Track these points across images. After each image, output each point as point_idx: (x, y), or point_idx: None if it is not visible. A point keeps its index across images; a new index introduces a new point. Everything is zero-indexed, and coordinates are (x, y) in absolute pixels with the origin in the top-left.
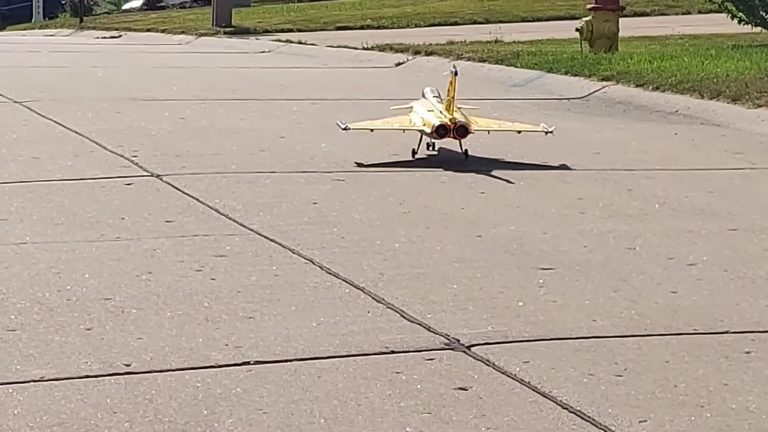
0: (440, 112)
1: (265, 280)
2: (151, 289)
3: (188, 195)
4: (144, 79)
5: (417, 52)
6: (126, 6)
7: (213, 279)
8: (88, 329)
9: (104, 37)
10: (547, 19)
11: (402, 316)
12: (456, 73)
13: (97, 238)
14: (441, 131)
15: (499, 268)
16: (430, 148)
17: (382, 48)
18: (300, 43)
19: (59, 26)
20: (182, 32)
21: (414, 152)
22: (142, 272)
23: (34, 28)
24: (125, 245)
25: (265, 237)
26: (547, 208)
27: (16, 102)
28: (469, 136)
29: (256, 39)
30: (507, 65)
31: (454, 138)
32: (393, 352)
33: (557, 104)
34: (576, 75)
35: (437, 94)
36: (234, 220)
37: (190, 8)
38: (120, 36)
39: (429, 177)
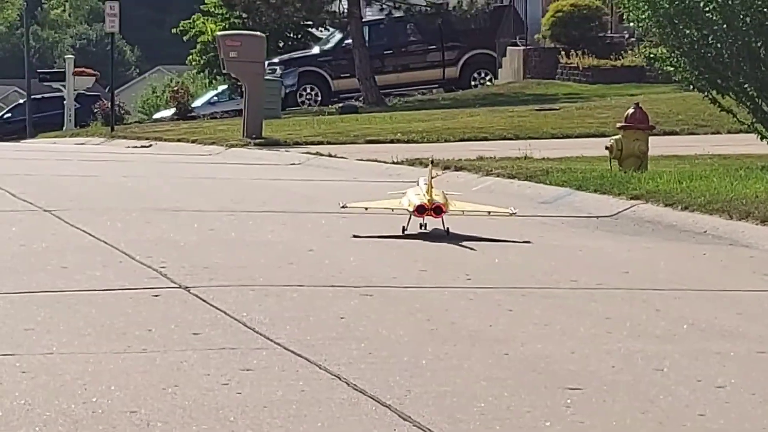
0: (423, 194)
1: (291, 395)
2: (177, 403)
3: (216, 307)
4: (174, 190)
5: (447, 167)
6: (157, 115)
7: (239, 393)
8: None
9: (135, 147)
10: (576, 137)
11: None
12: (432, 162)
13: (123, 350)
14: (420, 210)
15: (526, 387)
16: (422, 228)
17: (411, 162)
18: (330, 155)
19: (90, 134)
20: (213, 143)
21: (404, 229)
22: (169, 385)
23: (65, 136)
24: (152, 357)
25: (292, 351)
26: (575, 326)
27: (45, 210)
28: (446, 215)
29: (287, 151)
30: (536, 182)
31: (433, 216)
32: None
33: (586, 222)
34: (605, 193)
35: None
36: (261, 334)
37: (221, 119)
38: (151, 145)
39: (458, 294)
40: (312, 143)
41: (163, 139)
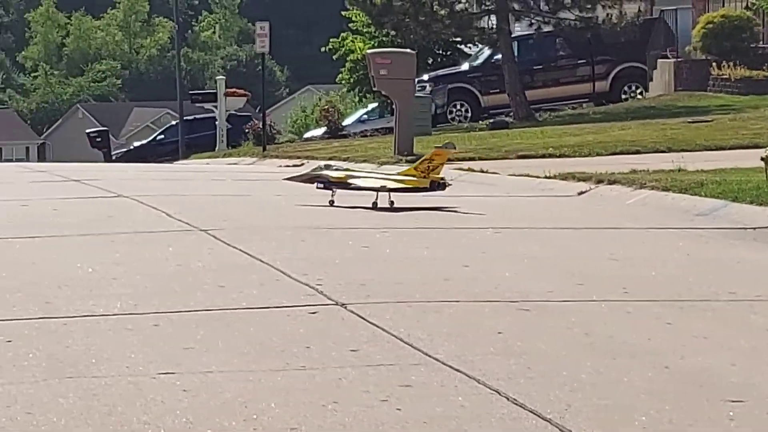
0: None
1: (451, 411)
2: (337, 420)
3: (373, 324)
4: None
5: (599, 181)
6: (307, 134)
7: (399, 409)
8: None
9: (287, 166)
10: (730, 148)
11: None
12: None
13: (282, 367)
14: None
15: (687, 400)
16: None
17: (564, 177)
18: (482, 171)
19: (242, 155)
20: (364, 161)
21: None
22: (328, 402)
23: (217, 157)
24: (311, 375)
25: (451, 367)
26: (735, 339)
27: (201, 230)
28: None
29: None
30: (691, 194)
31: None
32: None
33: (743, 234)
34: (762, 204)
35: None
36: (419, 350)
37: (371, 137)
38: (303, 164)
39: (615, 307)
40: (463, 159)
41: (315, 158)
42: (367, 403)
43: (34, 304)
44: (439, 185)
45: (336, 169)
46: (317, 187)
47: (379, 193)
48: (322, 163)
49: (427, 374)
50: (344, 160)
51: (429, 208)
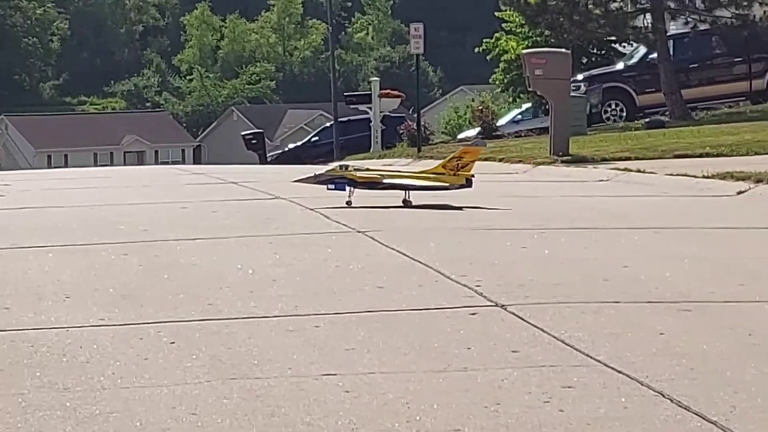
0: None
1: (614, 412)
2: (500, 421)
3: (533, 325)
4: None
5: (759, 180)
6: (461, 135)
7: (561, 411)
8: None
9: None
10: None
11: None
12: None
13: (444, 369)
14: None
15: None
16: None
17: (722, 176)
18: (639, 171)
19: (397, 156)
20: (519, 161)
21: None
22: (491, 403)
23: (372, 158)
24: (472, 376)
25: (613, 368)
26: None
27: (359, 232)
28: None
29: (594, 167)
30: None
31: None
32: None
33: None
34: None
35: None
36: (580, 351)
37: (526, 137)
38: None
39: None
40: (619, 159)
41: None
42: (530, 404)
43: (196, 305)
44: (470, 182)
45: (357, 169)
46: (328, 188)
47: (410, 192)
48: (336, 164)
49: (589, 375)
50: (499, 160)
51: (588, 208)
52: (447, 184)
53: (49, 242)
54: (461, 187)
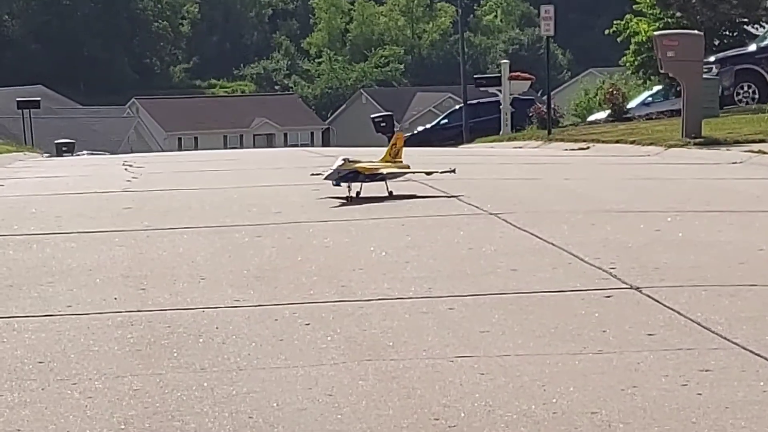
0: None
1: (753, 395)
2: (636, 404)
3: (669, 308)
4: (616, 191)
5: None
6: (591, 118)
7: (699, 394)
8: None
9: (572, 149)
10: None
11: None
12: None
13: (579, 351)
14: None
15: None
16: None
17: None
18: None
19: (527, 138)
20: (651, 143)
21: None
22: (627, 386)
23: (502, 141)
24: (608, 358)
25: (751, 351)
26: None
27: (491, 214)
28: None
29: (727, 150)
30: None
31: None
32: None
33: None
34: None
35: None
36: (717, 334)
37: (657, 119)
38: (588, 147)
39: None
40: (753, 141)
41: (601, 141)
42: (667, 387)
43: (331, 287)
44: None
45: (352, 161)
46: (334, 185)
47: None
48: (341, 158)
49: (726, 358)
50: (631, 143)
51: (722, 191)
52: (414, 171)
53: (183, 224)
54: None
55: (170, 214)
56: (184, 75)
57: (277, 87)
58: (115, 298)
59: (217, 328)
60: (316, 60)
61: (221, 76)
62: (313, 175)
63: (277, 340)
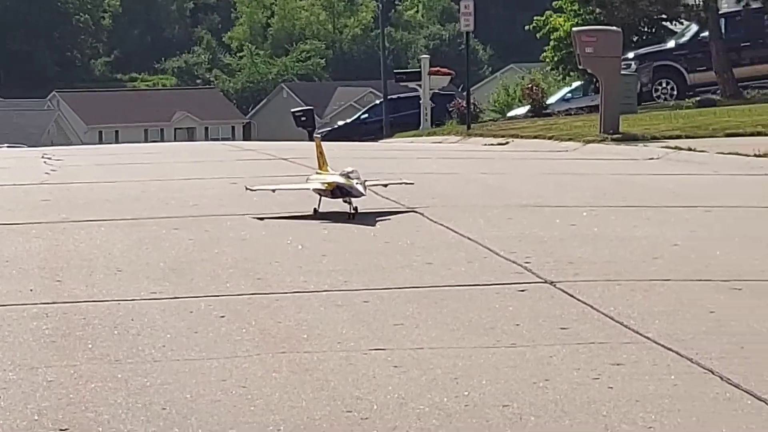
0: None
1: (663, 389)
2: (548, 397)
3: (582, 302)
4: (533, 186)
5: None
6: (511, 113)
7: (610, 387)
8: None
9: (491, 144)
10: None
11: None
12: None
13: (492, 344)
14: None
15: None
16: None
17: None
18: (690, 149)
19: (446, 133)
20: (569, 139)
21: (315, 210)
22: (539, 380)
23: (421, 135)
24: (521, 352)
25: (662, 345)
26: None
27: (408, 208)
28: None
29: (644, 146)
30: None
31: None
32: None
33: None
34: None
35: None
36: (630, 328)
37: (576, 115)
38: (507, 143)
39: None
40: (670, 137)
41: (520, 136)
42: (578, 380)
43: (246, 279)
44: None
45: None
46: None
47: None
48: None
49: (638, 353)
50: (549, 138)
51: (638, 186)
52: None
53: (100, 217)
54: None
55: (88, 206)
56: (106, 68)
57: (198, 81)
58: (31, 290)
59: (132, 320)
60: (238, 54)
61: (142, 69)
62: (248, 189)
63: (191, 332)
